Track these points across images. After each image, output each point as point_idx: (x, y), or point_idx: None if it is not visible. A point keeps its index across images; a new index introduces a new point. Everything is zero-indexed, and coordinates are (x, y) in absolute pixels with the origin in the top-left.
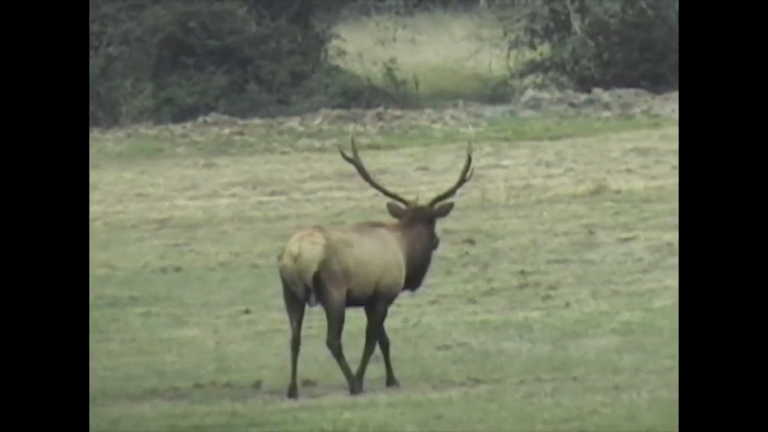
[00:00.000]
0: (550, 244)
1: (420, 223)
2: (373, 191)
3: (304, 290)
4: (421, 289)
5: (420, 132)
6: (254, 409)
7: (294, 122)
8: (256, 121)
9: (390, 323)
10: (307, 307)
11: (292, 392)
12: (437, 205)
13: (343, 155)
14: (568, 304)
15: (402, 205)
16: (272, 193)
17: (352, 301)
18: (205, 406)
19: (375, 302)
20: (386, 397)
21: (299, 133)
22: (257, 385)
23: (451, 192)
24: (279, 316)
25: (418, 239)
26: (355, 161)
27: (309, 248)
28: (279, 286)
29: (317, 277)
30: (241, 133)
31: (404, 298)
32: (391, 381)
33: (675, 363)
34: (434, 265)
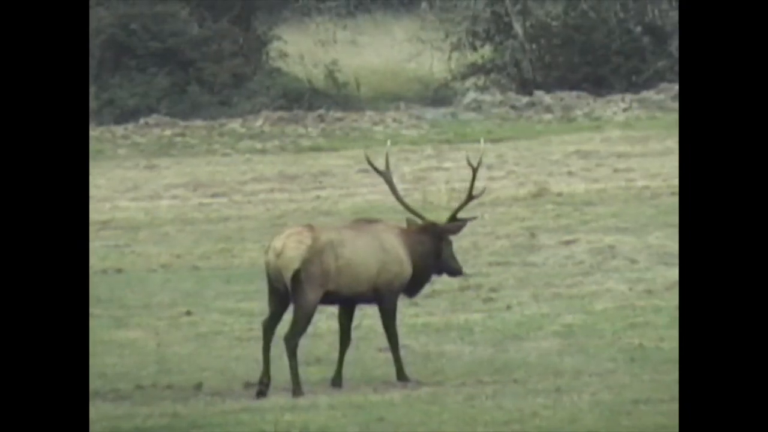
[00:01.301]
0: (491, 246)
1: (427, 234)
2: (315, 193)
3: (283, 287)
4: None
5: (361, 134)
6: (195, 411)
7: (235, 124)
8: (198, 122)
9: (332, 325)
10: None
11: (264, 382)
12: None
13: (371, 165)
14: (509, 307)
15: (419, 222)
16: (214, 195)
17: (344, 300)
18: (147, 407)
19: (380, 298)
20: (327, 399)
21: (241, 135)
22: (198, 386)
23: (458, 209)
24: (220, 318)
25: (420, 244)
26: (384, 174)
27: (293, 246)
28: (219, 288)
29: (296, 276)
30: (182, 135)
31: None
32: (336, 381)
33: (616, 366)
34: None
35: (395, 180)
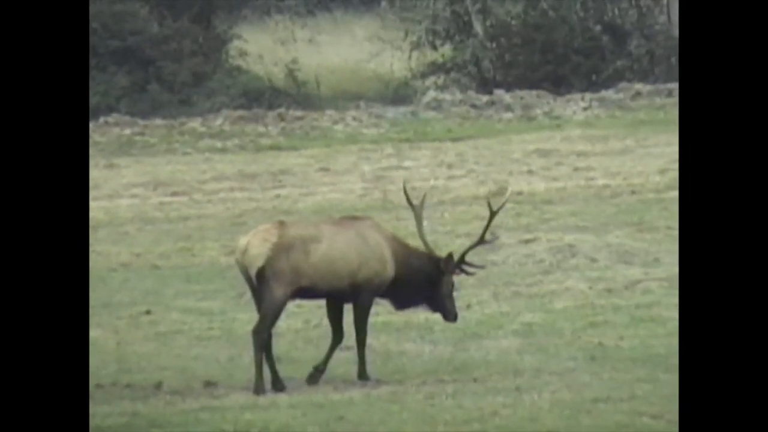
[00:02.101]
0: (451, 245)
1: (429, 260)
2: (275, 192)
3: (251, 284)
4: None
5: (321, 133)
6: (155, 410)
7: (196, 123)
8: (158, 121)
9: (291, 324)
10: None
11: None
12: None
13: (407, 196)
14: (469, 306)
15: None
16: (174, 194)
17: (322, 295)
18: (107, 406)
19: (357, 294)
20: (288, 398)
21: (201, 134)
22: (158, 385)
23: (468, 250)
24: (180, 317)
25: (417, 259)
26: (415, 208)
27: (257, 245)
28: (179, 287)
29: (261, 273)
30: (142, 134)
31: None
32: (312, 378)
33: (576, 364)
34: None
35: (355, 179)
